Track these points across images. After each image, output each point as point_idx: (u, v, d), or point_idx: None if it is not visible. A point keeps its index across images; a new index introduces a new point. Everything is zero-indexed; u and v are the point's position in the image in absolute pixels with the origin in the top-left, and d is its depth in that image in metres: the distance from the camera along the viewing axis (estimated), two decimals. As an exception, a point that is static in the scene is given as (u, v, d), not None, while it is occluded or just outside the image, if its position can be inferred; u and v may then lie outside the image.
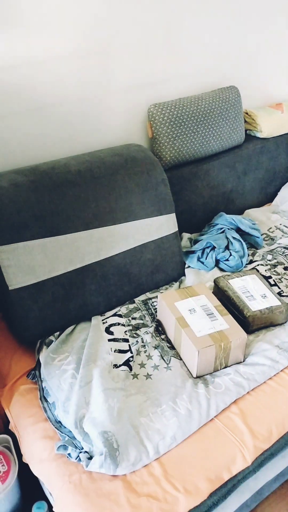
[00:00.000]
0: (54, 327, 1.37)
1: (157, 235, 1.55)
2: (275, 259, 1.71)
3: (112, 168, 1.47)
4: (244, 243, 1.72)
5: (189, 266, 1.68)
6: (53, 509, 1.08)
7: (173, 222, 1.59)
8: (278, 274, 1.63)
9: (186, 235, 1.82)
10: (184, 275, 1.65)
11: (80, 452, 1.07)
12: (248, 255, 1.75)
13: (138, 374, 1.25)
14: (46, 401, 1.20)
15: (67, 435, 1.11)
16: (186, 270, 1.66)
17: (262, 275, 1.62)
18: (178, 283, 1.61)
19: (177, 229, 1.61)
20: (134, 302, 1.50)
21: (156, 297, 1.52)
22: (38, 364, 1.29)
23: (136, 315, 1.45)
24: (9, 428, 1.28)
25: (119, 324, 1.40)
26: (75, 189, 1.38)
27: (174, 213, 1.60)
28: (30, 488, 1.30)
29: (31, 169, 1.38)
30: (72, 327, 1.40)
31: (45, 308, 1.34)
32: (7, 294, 1.30)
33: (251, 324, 1.37)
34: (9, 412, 1.24)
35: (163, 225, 1.56)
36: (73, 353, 1.29)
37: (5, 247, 1.26)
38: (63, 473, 1.06)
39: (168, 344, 1.35)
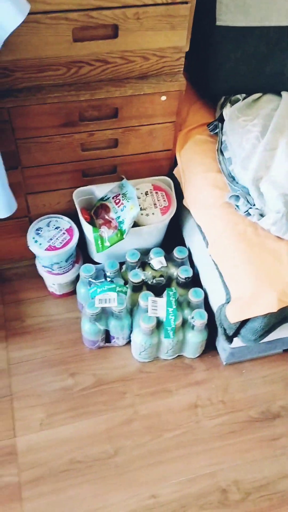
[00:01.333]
0: (242, 87, 1.25)
1: None
2: None
3: None
4: None
5: None
6: (208, 251, 1.14)
7: None
8: None
9: None
10: None
11: (251, 207, 1.06)
12: None
13: None
14: (223, 155, 1.17)
15: (240, 190, 1.09)
16: None
17: None
18: None
19: None
20: None
21: None
22: (220, 118, 1.22)
23: None
24: (173, 172, 1.29)
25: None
26: None
27: None
28: (172, 235, 1.38)
29: None
30: (259, 94, 1.27)
31: (242, 62, 1.20)
32: (210, 32, 1.16)
33: None
34: (179, 156, 1.24)
35: None
36: (259, 117, 1.19)
37: None
38: (228, 221, 1.08)
39: None
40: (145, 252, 1.32)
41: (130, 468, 1.15)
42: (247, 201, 1.07)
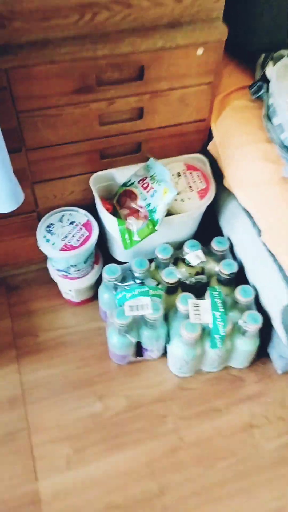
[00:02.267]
0: (283, 41, 1.04)
1: None
2: None
3: None
4: None
5: None
6: (261, 239, 0.93)
7: None
8: None
9: None
10: None
11: None
12: None
13: None
14: (271, 121, 0.96)
15: (301, 160, 0.88)
16: None
17: None
18: None
19: None
20: None
21: None
22: (263, 79, 1.01)
23: None
24: (207, 148, 1.08)
25: None
26: None
27: None
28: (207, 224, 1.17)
29: None
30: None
31: (282, 13, 0.99)
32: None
33: None
34: (216, 128, 1.03)
35: None
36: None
37: None
38: (289, 200, 0.88)
39: None
40: (176, 247, 1.11)
41: (180, 509, 0.94)
42: (312, 172, 0.86)
